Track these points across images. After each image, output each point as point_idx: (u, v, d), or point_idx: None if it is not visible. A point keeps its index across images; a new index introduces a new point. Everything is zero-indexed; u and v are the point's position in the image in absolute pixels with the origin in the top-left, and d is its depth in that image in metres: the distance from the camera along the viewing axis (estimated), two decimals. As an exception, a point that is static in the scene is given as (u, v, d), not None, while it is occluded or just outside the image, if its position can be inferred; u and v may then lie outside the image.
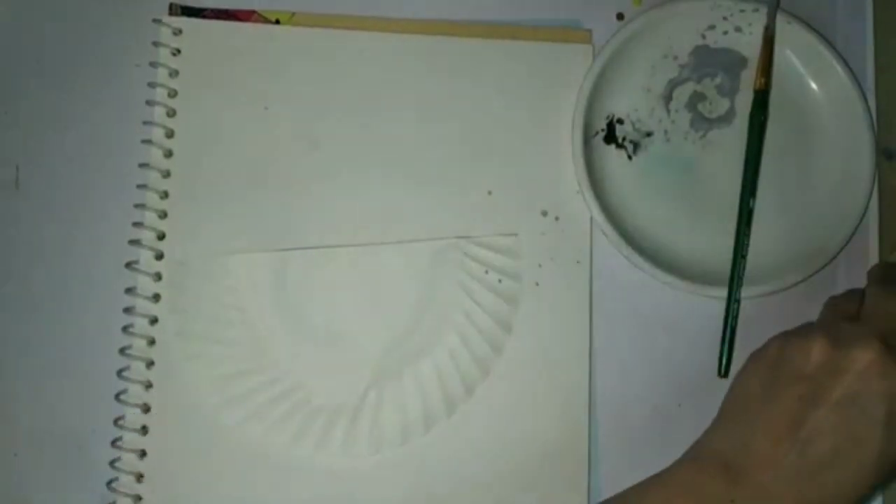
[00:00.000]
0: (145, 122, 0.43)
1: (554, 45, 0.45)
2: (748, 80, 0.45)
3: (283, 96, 0.44)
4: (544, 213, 0.44)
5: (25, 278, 0.42)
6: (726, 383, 0.44)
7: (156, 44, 0.43)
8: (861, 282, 0.45)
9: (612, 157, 0.44)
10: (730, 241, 0.43)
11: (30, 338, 0.42)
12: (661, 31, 0.44)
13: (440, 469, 0.42)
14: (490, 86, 0.45)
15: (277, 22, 0.44)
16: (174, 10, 0.44)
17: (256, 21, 0.44)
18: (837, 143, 0.44)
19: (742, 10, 0.44)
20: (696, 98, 0.45)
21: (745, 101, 0.45)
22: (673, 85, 0.45)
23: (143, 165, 0.43)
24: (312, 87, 0.44)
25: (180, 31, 0.44)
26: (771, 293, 0.43)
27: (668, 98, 0.45)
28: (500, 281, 0.43)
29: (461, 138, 0.44)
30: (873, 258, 0.45)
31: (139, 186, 0.42)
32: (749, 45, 0.45)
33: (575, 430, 0.42)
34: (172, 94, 0.43)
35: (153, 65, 0.43)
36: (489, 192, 0.44)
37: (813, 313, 0.43)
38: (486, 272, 0.43)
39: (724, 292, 0.42)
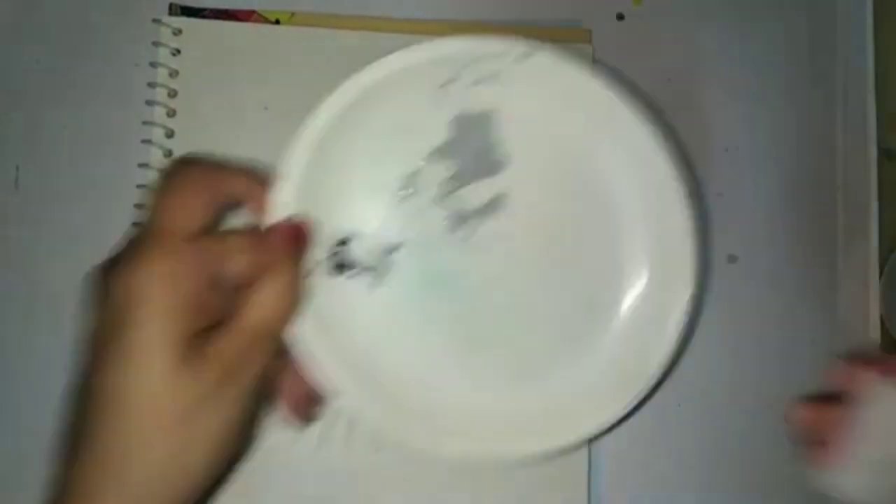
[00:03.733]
0: (145, 123, 0.43)
1: (554, 44, 0.45)
2: (513, 148, 0.34)
3: (282, 96, 0.44)
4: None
5: (25, 278, 0.42)
6: (726, 386, 0.44)
7: (156, 44, 0.43)
8: (861, 284, 0.45)
9: (347, 292, 0.33)
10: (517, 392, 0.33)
11: (29, 338, 0.42)
12: (384, 98, 0.32)
13: (440, 469, 0.42)
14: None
15: (277, 22, 0.44)
16: (174, 10, 0.44)
17: (256, 21, 0.44)
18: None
19: (493, 55, 0.33)
20: (449, 185, 0.34)
21: (512, 178, 0.34)
22: (412, 173, 0.33)
23: (142, 165, 0.43)
24: (312, 87, 0.44)
25: (180, 31, 0.44)
26: None
27: (408, 193, 0.33)
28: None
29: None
30: (873, 258, 0.45)
31: (139, 186, 0.42)
32: (505, 98, 0.34)
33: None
34: (172, 94, 0.43)
35: (153, 65, 0.43)
36: (489, 193, 0.43)
37: (813, 314, 0.43)
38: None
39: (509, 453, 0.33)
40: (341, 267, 0.32)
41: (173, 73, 0.43)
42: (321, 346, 0.31)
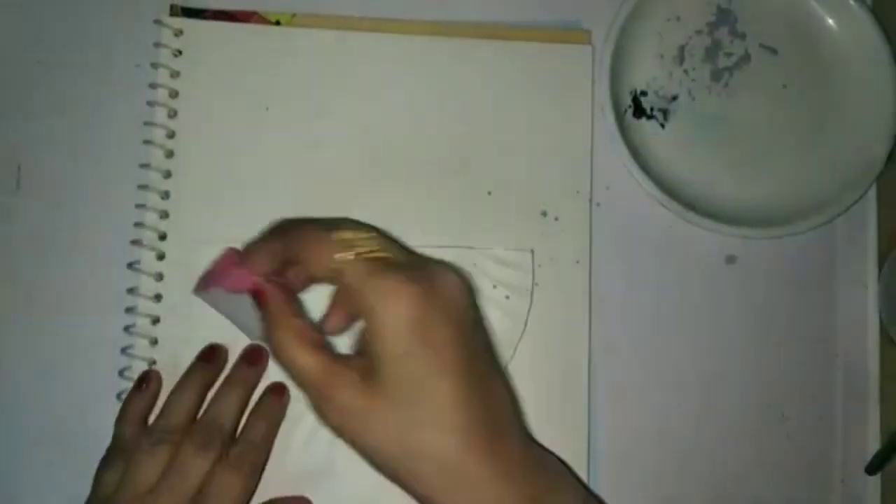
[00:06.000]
0: (146, 123, 0.43)
1: (554, 45, 0.45)
2: (756, 15, 0.46)
3: (283, 97, 0.44)
4: (544, 214, 0.44)
5: (26, 278, 0.42)
6: (726, 386, 0.44)
7: (157, 45, 0.43)
8: (860, 284, 0.45)
9: (646, 130, 0.45)
10: (766, 178, 0.45)
11: (31, 337, 0.42)
12: None
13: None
14: (489, 86, 0.45)
15: (278, 23, 0.44)
16: (175, 11, 0.44)
17: (257, 22, 0.44)
18: (858, 89, 0.45)
19: None
20: (711, 51, 0.45)
21: (755, 39, 0.46)
22: (684, 44, 0.45)
23: (144, 166, 0.43)
24: (313, 88, 0.44)
25: (181, 32, 0.44)
26: (776, 237, 0.44)
27: (681, 58, 0.45)
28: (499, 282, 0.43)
29: (460, 138, 0.44)
30: (872, 258, 0.45)
31: (140, 187, 0.42)
32: None
33: (574, 431, 0.42)
34: (173, 94, 0.43)
35: (154, 66, 0.43)
36: (489, 193, 0.44)
37: (812, 314, 0.43)
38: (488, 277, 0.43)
39: (782, 231, 0.43)
40: (641, 111, 0.44)
41: (174, 74, 0.44)
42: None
